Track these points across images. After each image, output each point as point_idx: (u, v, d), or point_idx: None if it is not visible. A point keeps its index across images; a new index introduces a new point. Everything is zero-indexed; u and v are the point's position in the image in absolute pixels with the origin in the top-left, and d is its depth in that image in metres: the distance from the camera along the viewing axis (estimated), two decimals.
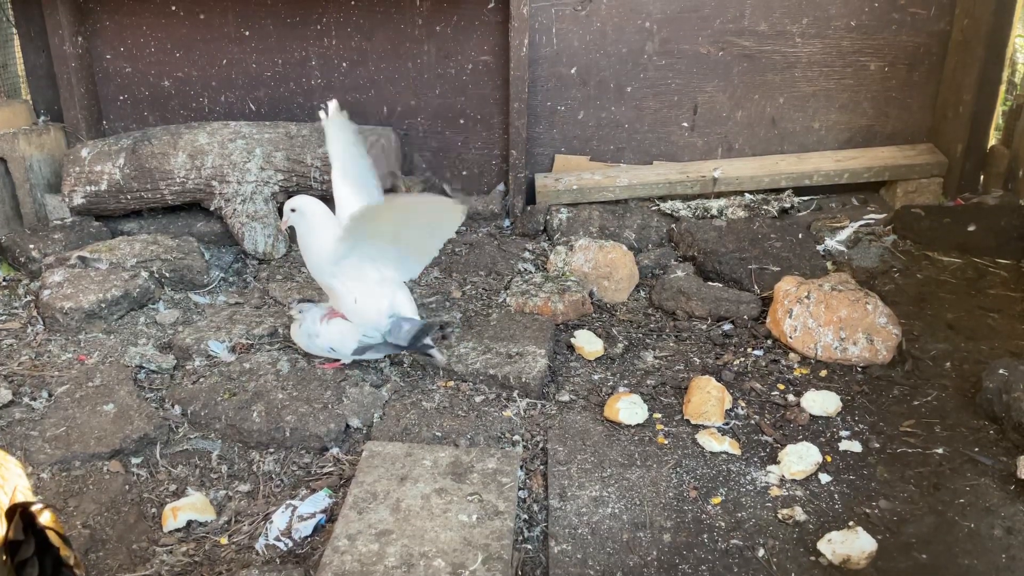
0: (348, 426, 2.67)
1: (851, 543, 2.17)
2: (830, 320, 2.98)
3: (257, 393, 2.78)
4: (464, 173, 4.22)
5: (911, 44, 4.09)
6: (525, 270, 3.63)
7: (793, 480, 2.45)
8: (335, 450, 2.61)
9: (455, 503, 2.24)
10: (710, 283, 3.50)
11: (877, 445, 2.59)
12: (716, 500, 2.38)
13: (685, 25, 4.02)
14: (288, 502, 2.38)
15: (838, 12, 4.02)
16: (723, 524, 2.29)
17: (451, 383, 2.88)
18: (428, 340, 2.82)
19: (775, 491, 2.41)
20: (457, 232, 3.99)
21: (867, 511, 2.33)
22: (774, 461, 2.53)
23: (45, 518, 1.60)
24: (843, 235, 3.85)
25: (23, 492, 1.75)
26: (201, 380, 2.88)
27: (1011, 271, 3.53)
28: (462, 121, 4.12)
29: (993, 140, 4.13)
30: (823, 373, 2.94)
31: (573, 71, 4.07)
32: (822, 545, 2.19)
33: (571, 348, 3.12)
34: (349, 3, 3.93)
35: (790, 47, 4.07)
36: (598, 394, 2.86)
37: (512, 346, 2.98)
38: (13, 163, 3.81)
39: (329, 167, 3.74)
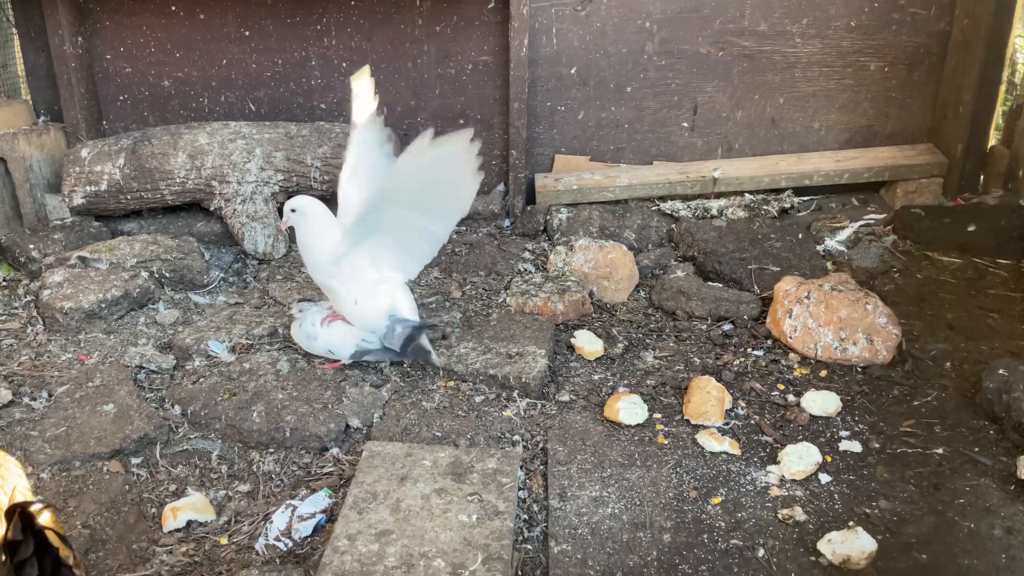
0: (348, 426, 2.67)
1: (851, 543, 2.17)
2: (830, 320, 2.98)
3: (257, 393, 2.78)
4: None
5: (911, 44, 4.09)
6: (525, 270, 3.63)
7: (793, 480, 2.45)
8: (335, 450, 2.61)
9: (455, 503, 2.24)
10: (710, 283, 3.50)
11: (877, 445, 2.59)
12: (716, 500, 2.38)
13: (685, 25, 4.02)
14: (288, 502, 2.38)
15: (838, 12, 4.02)
16: (723, 524, 2.29)
17: (451, 383, 2.88)
18: (424, 342, 2.79)
19: (775, 491, 2.41)
20: (457, 232, 4.02)
21: (867, 511, 2.33)
22: (774, 461, 2.53)
23: (44, 518, 1.60)
24: (843, 235, 3.85)
25: (23, 492, 1.75)
26: (201, 380, 2.88)
27: (1011, 271, 3.53)
28: (462, 121, 4.11)
29: (993, 140, 4.13)
30: (823, 373, 2.94)
31: (573, 71, 4.07)
32: (822, 545, 2.19)
33: (571, 348, 3.12)
34: (349, 3, 3.93)
35: (790, 47, 4.07)
36: (598, 394, 2.86)
37: (512, 346, 2.98)
38: (13, 163, 3.81)
39: (328, 168, 3.74)
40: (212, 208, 3.80)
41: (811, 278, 3.24)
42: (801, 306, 3.04)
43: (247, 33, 3.99)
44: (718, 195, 4.12)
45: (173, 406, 2.78)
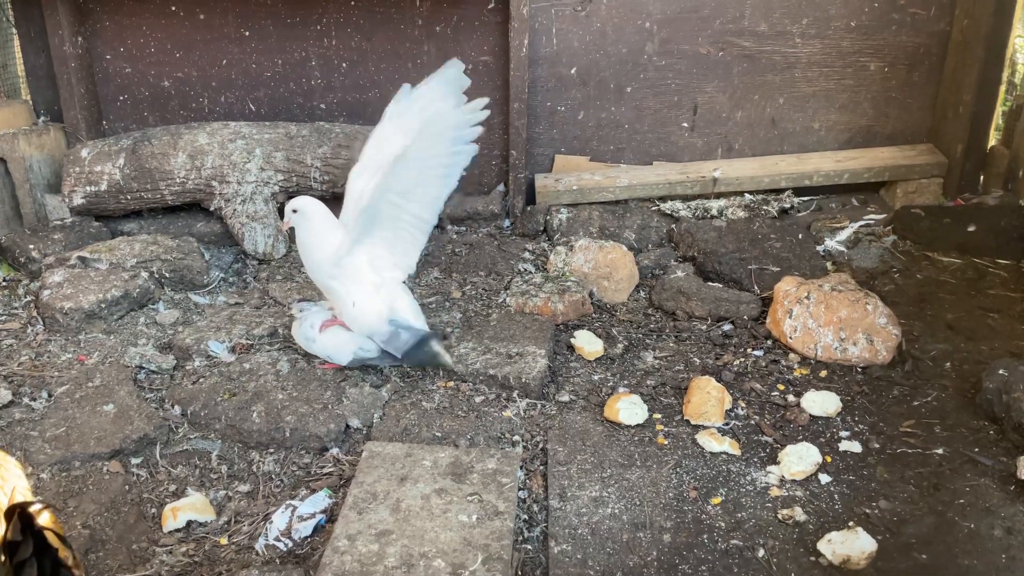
0: (348, 426, 2.67)
1: (851, 543, 2.17)
2: (830, 320, 2.98)
3: (257, 393, 2.78)
4: (464, 173, 4.20)
5: (911, 44, 4.09)
6: (525, 270, 3.63)
7: (793, 480, 2.45)
8: (335, 450, 2.61)
9: (455, 503, 2.24)
10: (710, 283, 3.50)
11: (877, 445, 2.59)
12: (716, 500, 2.38)
13: (685, 25, 4.02)
14: (288, 502, 2.38)
15: (838, 12, 4.02)
16: (723, 524, 2.29)
17: (451, 383, 2.88)
18: (437, 348, 2.78)
19: (775, 491, 2.41)
20: (457, 232, 4.02)
21: (867, 511, 2.33)
22: (774, 461, 2.53)
23: (44, 519, 1.60)
24: (843, 235, 3.85)
25: (22, 492, 1.75)
26: (201, 380, 2.88)
27: (1011, 271, 3.53)
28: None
29: (993, 140, 4.13)
30: (823, 373, 2.94)
31: (573, 71, 4.07)
32: (822, 545, 2.19)
33: (571, 348, 3.12)
34: (349, 3, 3.93)
35: (790, 47, 4.07)
36: (598, 394, 2.86)
37: (512, 346, 2.98)
38: (13, 163, 3.81)
39: (328, 168, 3.73)
40: (212, 208, 3.80)
41: (811, 278, 3.24)
42: (801, 306, 3.04)
43: (247, 33, 3.99)
44: (718, 195, 4.12)
45: (173, 406, 2.78)
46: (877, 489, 2.41)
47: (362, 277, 2.79)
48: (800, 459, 2.49)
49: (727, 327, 3.23)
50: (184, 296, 3.47)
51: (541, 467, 2.53)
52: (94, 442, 2.57)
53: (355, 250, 2.75)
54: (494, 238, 3.96)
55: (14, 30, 4.04)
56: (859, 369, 2.96)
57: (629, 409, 2.69)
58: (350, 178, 2.89)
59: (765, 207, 4.03)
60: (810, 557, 2.19)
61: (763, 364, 3.00)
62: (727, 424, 2.69)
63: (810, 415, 2.72)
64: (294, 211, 2.80)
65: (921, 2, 4.01)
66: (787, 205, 4.06)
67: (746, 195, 4.11)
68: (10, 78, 4.12)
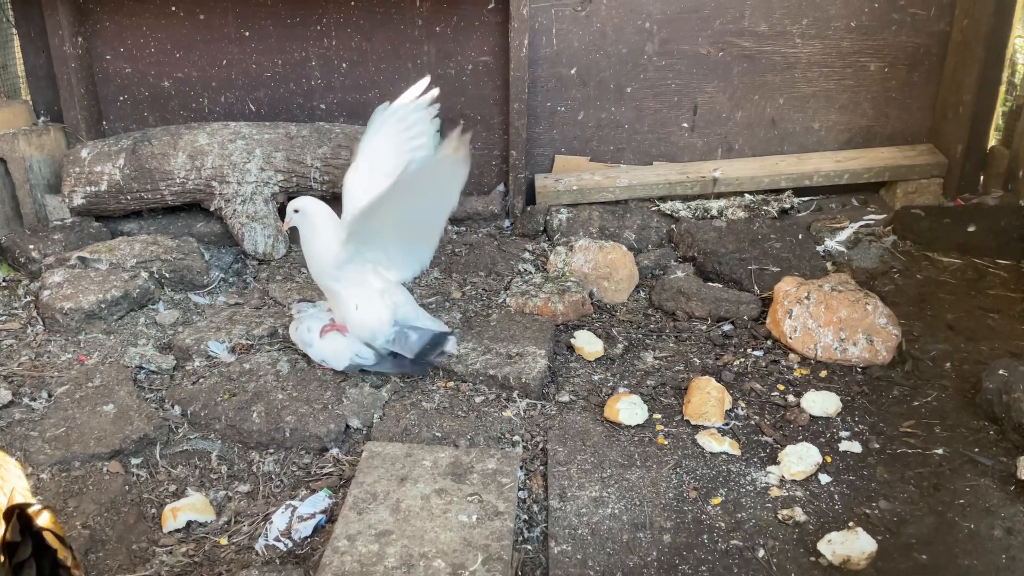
0: (348, 426, 2.67)
1: (851, 544, 2.16)
2: (830, 321, 2.98)
3: (257, 394, 2.78)
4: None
5: (911, 45, 4.09)
6: (525, 271, 3.63)
7: (793, 481, 2.45)
8: (335, 450, 2.61)
9: (455, 503, 2.24)
10: (710, 283, 3.50)
11: (877, 446, 2.59)
12: (716, 501, 2.38)
13: (685, 26, 4.02)
14: (288, 502, 2.38)
15: (838, 13, 4.02)
16: (723, 525, 2.29)
17: (451, 383, 2.88)
18: (451, 348, 2.81)
19: (775, 492, 2.41)
20: (457, 232, 4.02)
21: (867, 512, 2.33)
22: (774, 462, 2.53)
23: (43, 519, 1.60)
24: (843, 236, 3.85)
25: (22, 493, 1.75)
26: (201, 381, 2.88)
27: (1011, 271, 3.53)
28: (462, 122, 4.11)
29: (993, 141, 4.13)
30: (823, 374, 2.94)
31: (573, 72, 4.07)
32: (822, 546, 2.19)
33: (571, 349, 3.12)
34: (349, 3, 3.93)
35: (790, 48, 4.07)
36: (598, 395, 2.86)
37: (512, 347, 2.98)
38: (13, 163, 3.81)
39: (328, 168, 3.73)
40: (212, 208, 3.80)
41: (811, 278, 3.24)
42: (801, 306, 3.04)
43: (247, 33, 3.99)
44: (718, 195, 4.12)
45: (173, 406, 2.78)
46: (877, 489, 2.41)
47: (365, 280, 2.78)
48: (800, 459, 2.49)
49: (727, 327, 3.23)
50: (184, 296, 3.47)
51: (541, 467, 2.53)
52: (94, 442, 2.57)
53: (358, 255, 2.73)
54: (494, 238, 3.96)
55: (14, 30, 4.04)
56: (859, 369, 2.96)
57: (629, 409, 2.69)
58: (347, 178, 2.89)
59: (765, 207, 4.03)
60: (810, 557, 2.19)
61: (763, 364, 3.00)
62: (727, 424, 2.69)
63: (810, 415, 2.72)
64: (296, 211, 2.79)
65: (921, 2, 4.01)
66: (787, 205, 4.06)
67: (746, 195, 4.11)
68: (10, 78, 4.13)
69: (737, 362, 3.01)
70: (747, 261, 3.54)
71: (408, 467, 2.38)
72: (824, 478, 2.46)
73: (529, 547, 2.25)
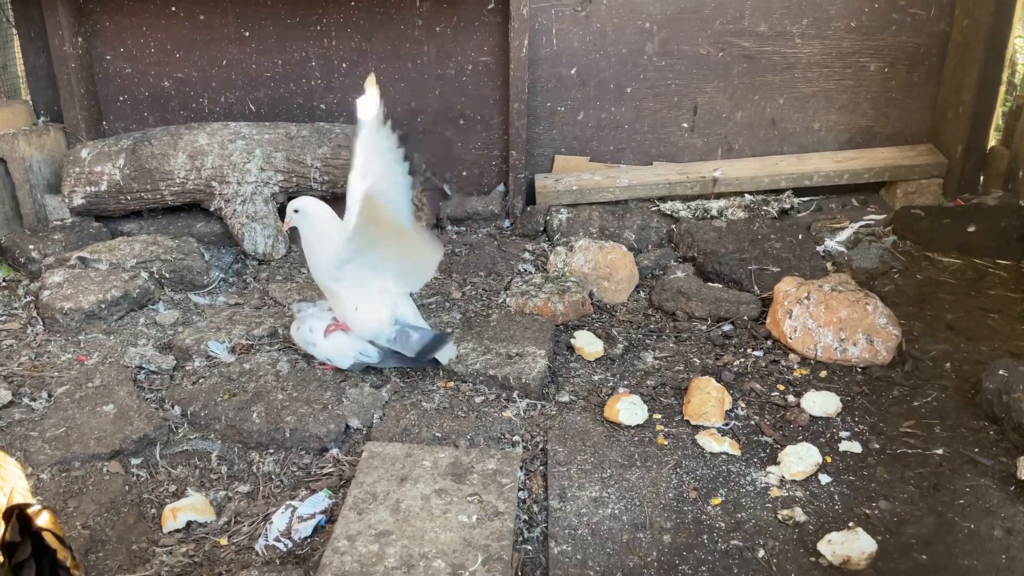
0: (348, 427, 2.67)
1: (851, 544, 2.16)
2: (830, 321, 2.98)
3: (257, 394, 2.78)
4: (464, 173, 4.22)
5: (911, 45, 4.09)
6: (525, 271, 3.63)
7: (793, 481, 2.45)
8: (335, 451, 2.61)
9: (455, 504, 2.24)
10: (710, 284, 3.50)
11: (877, 446, 2.59)
12: (716, 501, 2.38)
13: (685, 26, 4.02)
14: (288, 503, 2.38)
15: (838, 13, 4.02)
16: (723, 525, 2.29)
17: (451, 384, 2.88)
18: (452, 348, 2.84)
19: (775, 492, 2.41)
20: (457, 232, 4.02)
21: (867, 512, 2.33)
22: (774, 462, 2.53)
23: (43, 520, 1.60)
24: (843, 236, 3.85)
25: (22, 493, 1.75)
26: (201, 381, 2.88)
27: (1011, 272, 3.53)
28: (462, 122, 4.12)
29: (993, 141, 4.13)
30: (823, 374, 2.94)
31: (573, 72, 4.07)
32: (822, 546, 2.19)
33: (571, 349, 3.12)
34: (349, 4, 3.93)
35: (790, 48, 4.07)
36: (598, 395, 2.86)
37: (512, 347, 2.98)
38: (13, 164, 3.81)
39: (328, 168, 3.73)
40: (212, 209, 3.80)
41: (811, 279, 3.24)
42: (801, 307, 3.04)
43: (247, 34, 3.99)
44: (718, 196, 4.12)
45: (173, 407, 2.78)
46: (877, 489, 2.41)
47: (366, 282, 2.77)
48: (800, 459, 2.49)
49: (727, 327, 3.23)
50: (184, 296, 3.47)
51: (541, 467, 2.53)
52: (94, 442, 2.57)
53: (358, 258, 2.73)
54: (494, 238, 3.96)
55: (14, 30, 4.04)
56: (859, 369, 2.96)
57: (629, 409, 2.69)
58: (350, 180, 2.88)
59: (765, 207, 4.03)
60: (810, 558, 2.19)
61: (763, 364, 3.00)
62: (727, 424, 2.69)
63: (810, 415, 2.72)
64: (296, 211, 2.78)
65: (921, 2, 4.01)
66: (787, 205, 4.06)
67: (746, 195, 4.11)
68: (10, 78, 4.13)
69: (737, 362, 3.01)
70: (747, 261, 3.54)
71: (408, 467, 2.38)
72: (824, 478, 2.46)
73: (529, 547, 2.25)
